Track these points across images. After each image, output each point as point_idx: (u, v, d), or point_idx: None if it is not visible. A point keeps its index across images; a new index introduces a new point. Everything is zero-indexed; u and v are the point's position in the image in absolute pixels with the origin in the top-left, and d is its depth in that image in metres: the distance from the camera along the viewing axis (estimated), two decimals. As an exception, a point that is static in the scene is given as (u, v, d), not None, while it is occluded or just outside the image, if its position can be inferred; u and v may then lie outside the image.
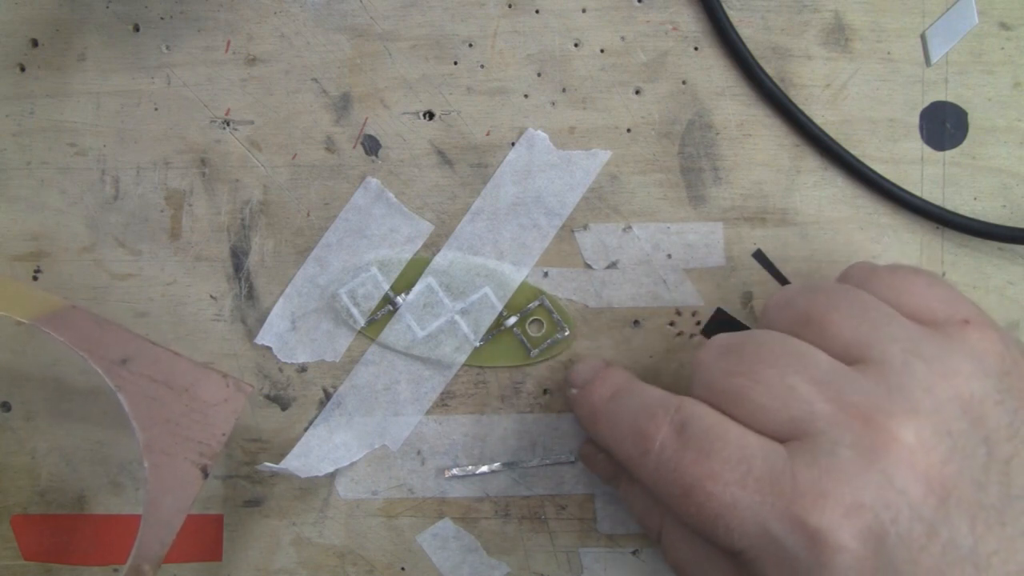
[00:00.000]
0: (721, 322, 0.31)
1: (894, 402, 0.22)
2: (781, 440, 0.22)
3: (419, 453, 0.31)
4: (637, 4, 0.30)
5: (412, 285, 0.31)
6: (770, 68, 0.30)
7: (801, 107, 0.30)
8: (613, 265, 0.31)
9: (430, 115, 0.31)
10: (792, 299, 0.25)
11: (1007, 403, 0.22)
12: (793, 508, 0.21)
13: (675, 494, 0.23)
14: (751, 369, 0.23)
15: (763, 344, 0.24)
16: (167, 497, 0.26)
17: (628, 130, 0.31)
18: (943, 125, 0.31)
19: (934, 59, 0.30)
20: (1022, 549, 0.21)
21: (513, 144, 0.31)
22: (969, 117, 0.31)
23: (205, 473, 0.26)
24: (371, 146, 0.31)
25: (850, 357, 0.23)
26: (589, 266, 0.31)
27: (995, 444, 0.21)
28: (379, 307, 0.31)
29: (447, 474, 0.31)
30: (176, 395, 0.27)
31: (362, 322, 0.31)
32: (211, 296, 0.31)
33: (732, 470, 0.22)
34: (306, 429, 0.31)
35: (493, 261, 0.31)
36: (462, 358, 0.31)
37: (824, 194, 0.31)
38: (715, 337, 0.25)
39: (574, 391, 0.29)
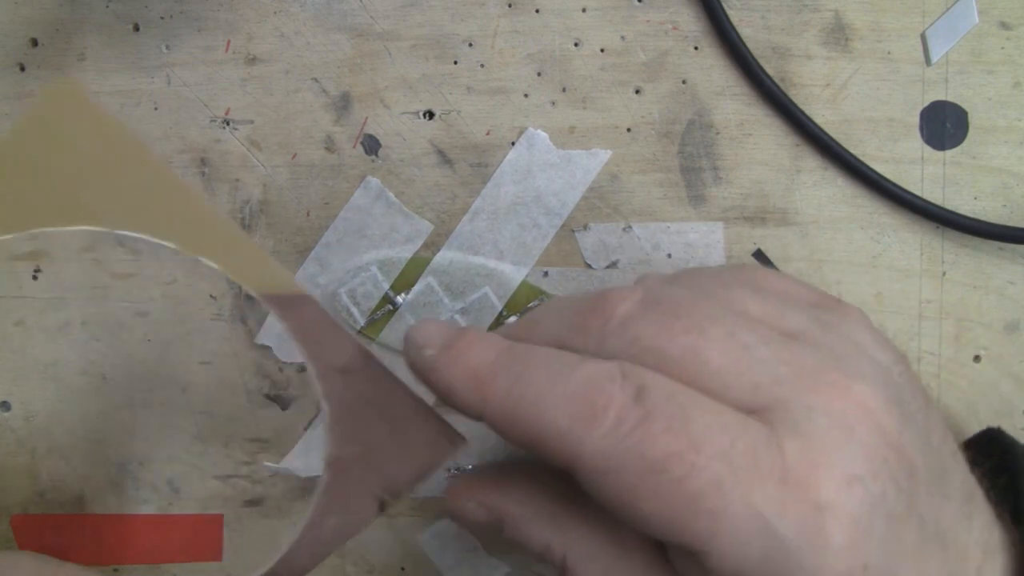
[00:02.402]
0: (721, 322, 0.31)
1: (848, 366, 0.20)
2: (744, 410, 0.19)
3: (419, 453, 0.31)
4: (637, 4, 0.30)
5: (412, 285, 0.31)
6: (770, 68, 0.30)
7: (801, 107, 0.30)
8: (613, 265, 0.31)
9: (430, 115, 0.31)
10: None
11: (906, 374, 0.21)
12: (788, 485, 0.18)
13: (640, 473, 0.19)
14: (698, 325, 0.20)
15: (694, 299, 0.21)
16: (331, 519, 0.23)
17: (628, 130, 0.31)
18: (943, 125, 0.31)
19: (934, 59, 0.30)
20: (964, 523, 0.20)
21: (513, 144, 0.31)
22: (969, 117, 0.31)
23: (382, 508, 0.24)
24: (371, 146, 0.31)
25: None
26: (589, 266, 0.31)
27: (913, 414, 0.20)
28: (379, 307, 0.31)
29: (447, 474, 0.31)
30: (382, 422, 0.24)
31: (362, 322, 0.31)
32: (211, 296, 0.31)
33: (714, 441, 0.18)
34: (306, 429, 0.31)
35: (493, 261, 0.31)
36: (462, 358, 0.31)
37: (824, 194, 0.31)
38: (611, 287, 0.22)
39: (430, 353, 0.22)
